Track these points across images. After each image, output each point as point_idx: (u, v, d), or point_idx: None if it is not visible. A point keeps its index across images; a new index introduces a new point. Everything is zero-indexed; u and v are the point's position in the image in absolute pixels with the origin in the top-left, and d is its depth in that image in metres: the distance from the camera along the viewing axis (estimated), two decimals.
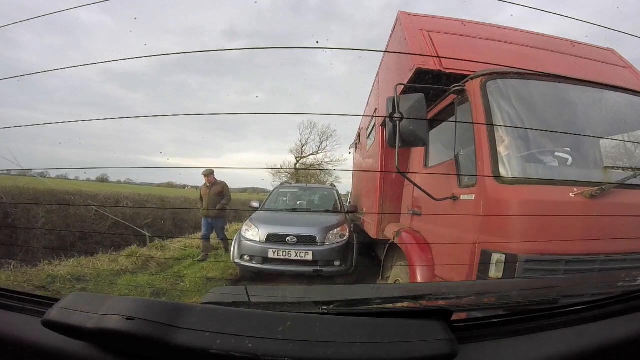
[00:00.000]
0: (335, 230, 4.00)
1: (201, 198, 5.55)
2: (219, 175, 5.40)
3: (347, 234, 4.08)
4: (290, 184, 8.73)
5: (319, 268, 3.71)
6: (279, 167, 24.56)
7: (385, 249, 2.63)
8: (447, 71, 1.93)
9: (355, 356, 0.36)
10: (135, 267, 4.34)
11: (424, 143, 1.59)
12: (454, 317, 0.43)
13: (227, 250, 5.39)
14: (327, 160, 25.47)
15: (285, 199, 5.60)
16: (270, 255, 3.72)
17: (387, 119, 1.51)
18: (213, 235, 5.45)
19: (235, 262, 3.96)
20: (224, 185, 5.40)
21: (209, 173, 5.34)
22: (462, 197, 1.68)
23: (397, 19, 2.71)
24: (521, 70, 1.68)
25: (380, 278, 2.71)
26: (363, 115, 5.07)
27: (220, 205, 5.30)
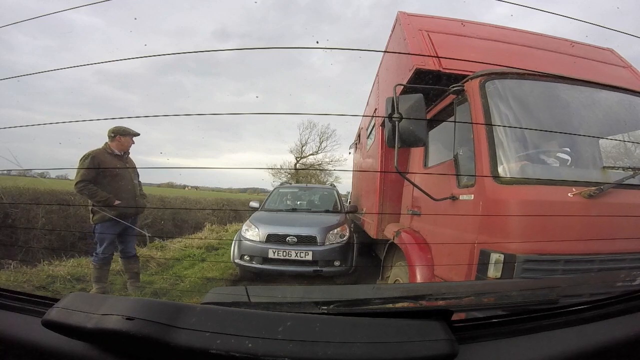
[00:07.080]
0: (335, 230, 4.00)
1: (77, 179, 2.69)
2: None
3: (347, 234, 4.08)
4: (290, 184, 8.73)
5: (319, 268, 3.71)
6: (278, 167, 24.61)
7: (385, 249, 2.63)
8: (447, 71, 1.93)
9: (355, 356, 0.36)
10: None
11: (423, 143, 1.59)
12: (454, 317, 0.44)
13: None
14: (327, 160, 25.57)
15: (285, 199, 5.59)
16: (270, 255, 3.72)
17: (387, 119, 1.51)
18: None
19: (235, 262, 3.96)
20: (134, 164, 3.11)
21: (123, 132, 2.79)
22: (461, 197, 1.68)
23: (396, 19, 2.72)
24: (520, 70, 1.68)
25: (380, 278, 2.71)
26: (362, 115, 5.07)
27: (141, 196, 3.16)
